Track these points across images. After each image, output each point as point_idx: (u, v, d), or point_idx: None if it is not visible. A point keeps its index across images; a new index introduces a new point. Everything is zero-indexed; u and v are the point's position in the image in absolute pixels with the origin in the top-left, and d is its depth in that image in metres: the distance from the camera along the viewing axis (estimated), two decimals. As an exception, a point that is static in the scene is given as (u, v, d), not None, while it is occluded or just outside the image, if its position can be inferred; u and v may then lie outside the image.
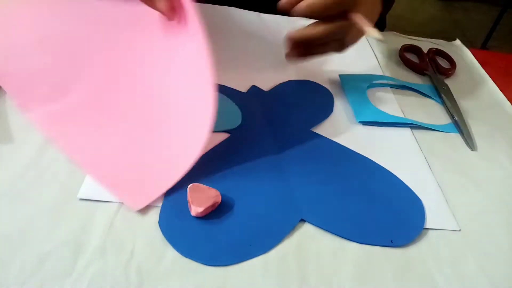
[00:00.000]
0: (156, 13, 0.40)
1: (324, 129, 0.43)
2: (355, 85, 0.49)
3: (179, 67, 0.41)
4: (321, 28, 0.42)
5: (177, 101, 0.40)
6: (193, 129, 0.37)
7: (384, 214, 0.35)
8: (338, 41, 0.44)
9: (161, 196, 0.33)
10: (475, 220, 0.36)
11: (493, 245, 0.34)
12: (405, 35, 0.63)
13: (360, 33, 0.45)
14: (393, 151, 0.41)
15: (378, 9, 0.47)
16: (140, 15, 0.46)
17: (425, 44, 0.60)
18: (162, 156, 0.36)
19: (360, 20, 0.40)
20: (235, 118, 0.42)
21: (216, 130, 0.40)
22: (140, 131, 0.38)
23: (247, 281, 0.29)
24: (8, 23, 0.49)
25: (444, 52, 0.58)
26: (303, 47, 0.45)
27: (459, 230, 0.35)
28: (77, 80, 0.42)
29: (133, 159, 0.36)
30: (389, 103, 0.48)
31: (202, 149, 0.35)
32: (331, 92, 0.48)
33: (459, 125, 0.46)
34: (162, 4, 0.38)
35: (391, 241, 0.33)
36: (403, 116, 0.46)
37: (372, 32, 0.39)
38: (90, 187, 0.33)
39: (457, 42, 0.63)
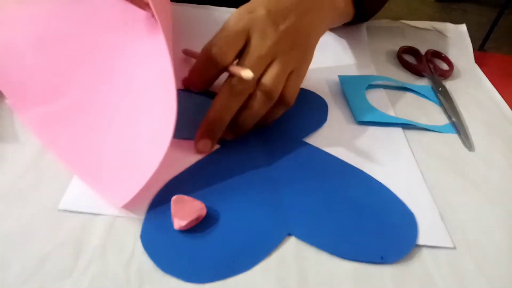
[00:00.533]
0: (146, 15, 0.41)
1: (316, 137, 0.42)
2: (354, 86, 0.49)
3: (151, 68, 0.41)
4: (217, 101, 0.36)
5: (144, 100, 0.39)
6: (159, 127, 0.35)
7: (375, 229, 0.34)
8: (266, 99, 0.37)
9: (145, 207, 0.33)
10: (473, 220, 0.36)
11: (492, 246, 0.35)
12: (406, 22, 0.63)
13: (295, 83, 0.39)
14: (387, 162, 0.41)
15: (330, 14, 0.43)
16: (133, 17, 0.46)
17: (423, 46, 0.60)
18: (135, 154, 0.36)
19: (233, 69, 0.36)
20: None
21: None
22: (121, 130, 0.38)
23: (247, 282, 0.29)
24: (3, 23, 0.49)
25: (442, 54, 0.59)
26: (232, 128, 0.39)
27: (454, 247, 0.34)
28: (70, 82, 0.42)
29: (114, 158, 0.35)
30: (387, 104, 0.48)
31: (168, 145, 0.32)
32: (329, 92, 0.48)
33: (457, 126, 0.46)
34: None
35: (381, 258, 0.32)
36: (402, 117, 0.46)
37: (244, 74, 0.34)
38: (72, 198, 0.32)
39: (463, 27, 0.63)
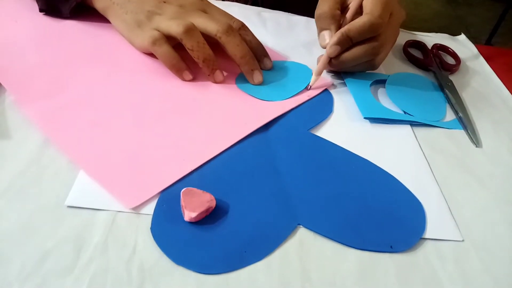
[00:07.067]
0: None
1: (323, 130, 0.42)
2: (359, 83, 0.48)
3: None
4: (355, 52, 0.45)
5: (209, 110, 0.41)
6: (209, 141, 0.38)
7: (384, 218, 0.34)
8: (370, 61, 0.47)
9: (154, 200, 0.33)
10: (479, 217, 0.36)
11: (497, 243, 0.34)
12: (409, 31, 0.62)
13: (387, 51, 0.49)
14: (394, 153, 0.40)
15: (403, 17, 0.50)
16: None
17: (430, 40, 0.59)
18: (163, 156, 0.36)
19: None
20: None
21: None
22: (140, 130, 0.38)
23: (250, 280, 0.29)
24: (8, 19, 0.49)
25: (449, 48, 0.58)
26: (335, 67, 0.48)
27: (462, 240, 0.34)
28: (75, 77, 0.42)
29: (130, 157, 0.35)
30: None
31: (208, 158, 0.36)
32: (335, 87, 0.48)
33: (464, 121, 0.46)
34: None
35: (391, 247, 0.32)
36: (408, 113, 0.46)
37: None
38: (78, 194, 0.32)
39: (462, 36, 0.63)
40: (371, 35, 0.44)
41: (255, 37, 0.47)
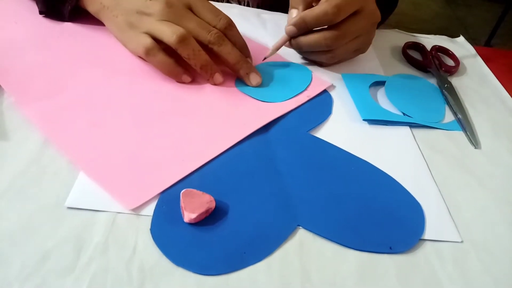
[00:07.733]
0: None
1: (322, 131, 0.42)
2: (358, 84, 0.48)
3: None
4: (310, 38, 0.46)
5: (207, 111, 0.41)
6: (209, 142, 0.38)
7: (383, 219, 0.34)
8: (328, 52, 0.47)
9: (154, 201, 0.33)
10: (479, 217, 0.36)
11: (497, 243, 0.34)
12: (408, 32, 0.62)
13: (356, 52, 0.50)
14: (393, 155, 0.40)
15: (378, 19, 0.48)
16: None
17: (429, 41, 0.59)
18: (163, 158, 0.36)
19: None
20: None
21: None
22: (140, 130, 0.38)
23: (250, 280, 0.29)
24: (8, 20, 0.49)
25: (448, 50, 0.58)
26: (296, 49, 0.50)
27: (462, 241, 0.34)
28: (75, 78, 0.42)
29: (129, 158, 0.35)
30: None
31: (207, 159, 0.36)
32: (334, 88, 0.48)
33: (463, 122, 0.46)
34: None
35: (390, 248, 0.32)
36: (407, 114, 0.46)
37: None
38: (78, 195, 0.32)
39: (461, 38, 0.63)
40: (325, 24, 0.44)
41: (240, 37, 0.46)
